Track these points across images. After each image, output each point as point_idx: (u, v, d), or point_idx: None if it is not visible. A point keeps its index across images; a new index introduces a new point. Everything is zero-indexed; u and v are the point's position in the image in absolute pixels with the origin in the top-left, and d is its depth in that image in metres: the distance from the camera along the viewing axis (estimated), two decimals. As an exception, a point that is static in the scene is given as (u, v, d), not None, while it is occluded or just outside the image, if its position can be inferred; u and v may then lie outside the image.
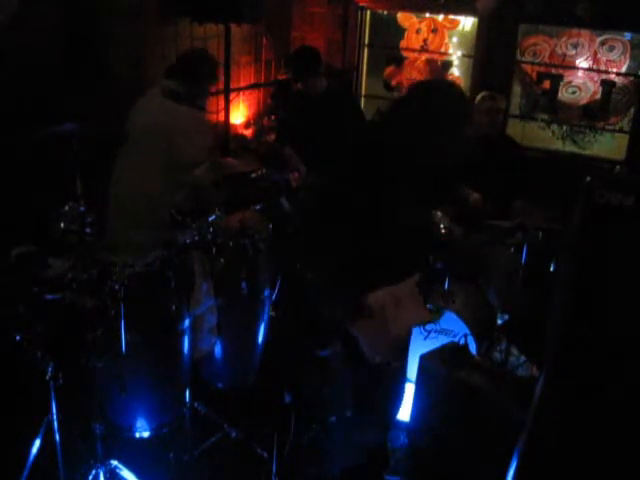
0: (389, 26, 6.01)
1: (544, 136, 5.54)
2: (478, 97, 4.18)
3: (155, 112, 3.02)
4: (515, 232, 3.19)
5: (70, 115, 2.41)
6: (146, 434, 2.60)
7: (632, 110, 5.14)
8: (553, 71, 5.36)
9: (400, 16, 5.90)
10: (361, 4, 5.82)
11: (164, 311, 2.53)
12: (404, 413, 2.79)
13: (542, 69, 5.39)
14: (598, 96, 5.25)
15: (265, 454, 2.86)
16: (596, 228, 1.57)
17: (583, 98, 5.32)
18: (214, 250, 2.74)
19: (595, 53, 5.19)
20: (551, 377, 1.72)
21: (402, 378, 2.50)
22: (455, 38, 5.80)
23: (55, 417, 2.37)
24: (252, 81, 5.67)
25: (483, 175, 3.77)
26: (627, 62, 5.13)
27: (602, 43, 5.15)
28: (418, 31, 5.86)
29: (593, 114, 5.31)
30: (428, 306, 2.18)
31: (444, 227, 2.81)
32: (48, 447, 2.41)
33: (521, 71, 5.46)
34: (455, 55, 5.82)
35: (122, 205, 3.00)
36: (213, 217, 2.70)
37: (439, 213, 2.91)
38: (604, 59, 5.18)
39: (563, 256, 2.05)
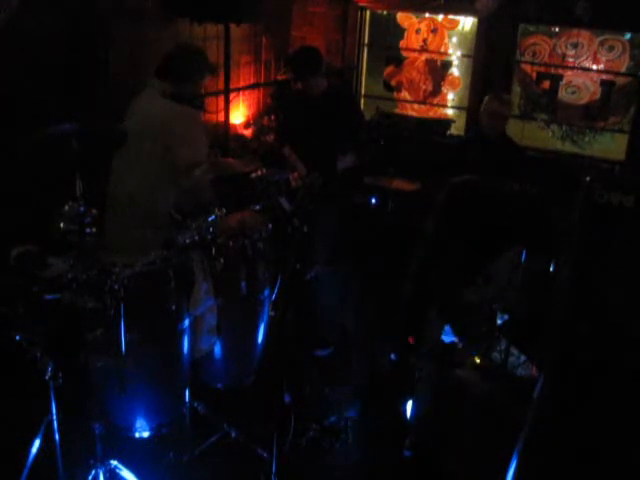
0: (389, 26, 6.01)
1: (544, 136, 5.54)
2: (487, 97, 4.18)
3: (153, 112, 3.01)
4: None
5: (70, 115, 2.40)
6: (146, 434, 2.59)
7: (632, 110, 5.13)
8: (553, 71, 5.36)
9: (400, 16, 5.91)
10: (361, 4, 5.82)
11: (164, 311, 2.53)
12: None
13: (542, 69, 5.39)
14: (598, 96, 5.25)
15: (265, 454, 2.86)
16: (596, 228, 1.57)
17: (583, 98, 5.32)
18: (214, 250, 2.74)
19: (595, 53, 5.18)
20: (551, 377, 1.72)
21: None
22: (455, 38, 5.80)
23: (55, 417, 2.37)
24: (252, 81, 5.67)
25: (482, 176, 3.76)
26: (627, 62, 5.13)
27: (602, 43, 5.15)
28: (418, 31, 5.87)
29: (593, 114, 5.31)
30: None
31: None
32: (48, 447, 2.41)
33: (521, 71, 5.46)
34: (455, 55, 5.82)
35: (122, 205, 3.00)
36: (213, 217, 2.70)
37: None
38: (604, 59, 5.18)
39: (563, 256, 2.06)
